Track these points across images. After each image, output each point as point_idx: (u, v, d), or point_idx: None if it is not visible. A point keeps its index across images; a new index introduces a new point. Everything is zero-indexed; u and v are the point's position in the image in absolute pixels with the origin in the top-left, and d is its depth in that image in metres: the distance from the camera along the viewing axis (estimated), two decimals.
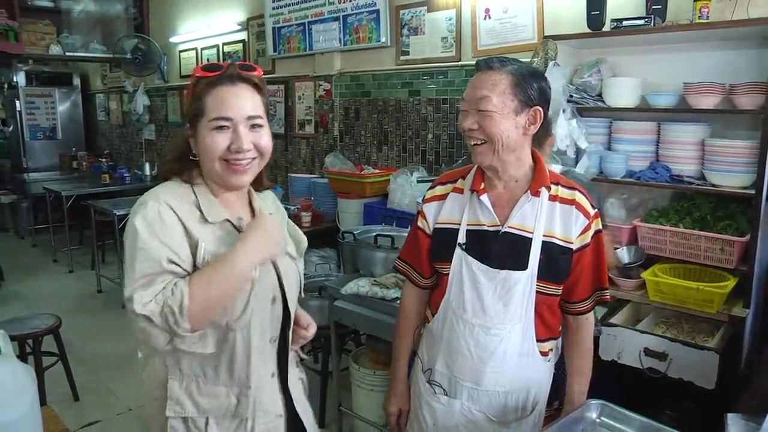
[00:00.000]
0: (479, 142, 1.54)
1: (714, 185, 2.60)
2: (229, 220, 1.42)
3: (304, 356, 1.67)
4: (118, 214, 5.28)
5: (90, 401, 3.67)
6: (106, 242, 6.49)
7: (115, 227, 5.32)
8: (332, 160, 4.67)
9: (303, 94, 5.22)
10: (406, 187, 3.88)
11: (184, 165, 1.42)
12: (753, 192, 2.42)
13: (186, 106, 1.36)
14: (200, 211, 1.38)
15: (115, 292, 5.51)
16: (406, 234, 3.13)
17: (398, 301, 2.59)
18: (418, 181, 3.81)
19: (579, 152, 2.94)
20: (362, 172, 4.29)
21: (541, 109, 1.54)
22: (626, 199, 3.00)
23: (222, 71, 1.37)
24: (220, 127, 1.35)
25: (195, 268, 1.33)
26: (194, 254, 1.34)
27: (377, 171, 4.31)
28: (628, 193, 3.01)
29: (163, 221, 1.32)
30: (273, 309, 1.46)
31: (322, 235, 4.23)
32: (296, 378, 1.62)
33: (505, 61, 1.53)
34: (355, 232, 3.12)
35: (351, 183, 4.21)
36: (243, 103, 1.36)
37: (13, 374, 1.41)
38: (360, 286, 2.71)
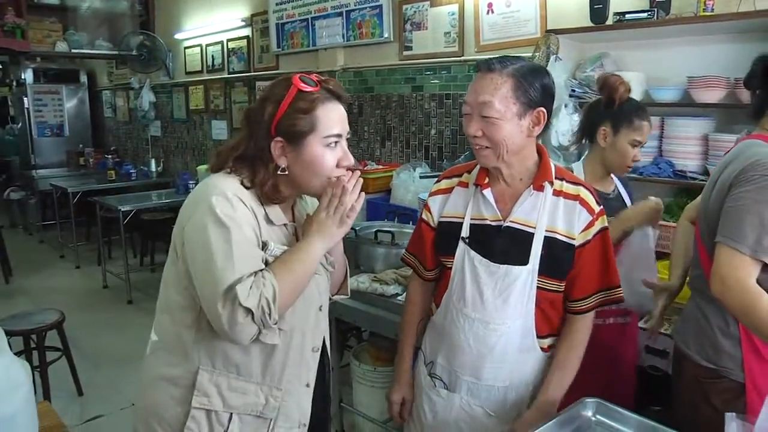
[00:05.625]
0: (483, 147, 1.54)
1: None
2: (286, 225, 1.44)
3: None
4: (123, 210, 5.30)
5: (93, 396, 3.69)
6: (112, 238, 6.51)
7: (121, 223, 5.35)
8: None
9: None
10: (409, 183, 3.86)
11: (252, 167, 1.39)
12: None
13: (281, 118, 1.35)
14: (265, 211, 1.39)
15: (120, 289, 5.53)
16: (407, 230, 3.15)
17: (398, 297, 2.59)
18: (421, 177, 3.79)
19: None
20: (365, 168, 4.26)
21: (544, 110, 1.53)
22: None
23: (322, 87, 1.39)
24: (335, 144, 1.39)
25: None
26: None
27: (380, 167, 4.29)
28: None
29: (243, 213, 1.32)
30: (318, 317, 1.49)
31: None
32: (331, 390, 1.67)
33: (506, 61, 1.50)
34: (356, 228, 3.11)
35: None
36: (345, 121, 1.43)
37: (6, 370, 1.40)
38: (360, 282, 2.70)
